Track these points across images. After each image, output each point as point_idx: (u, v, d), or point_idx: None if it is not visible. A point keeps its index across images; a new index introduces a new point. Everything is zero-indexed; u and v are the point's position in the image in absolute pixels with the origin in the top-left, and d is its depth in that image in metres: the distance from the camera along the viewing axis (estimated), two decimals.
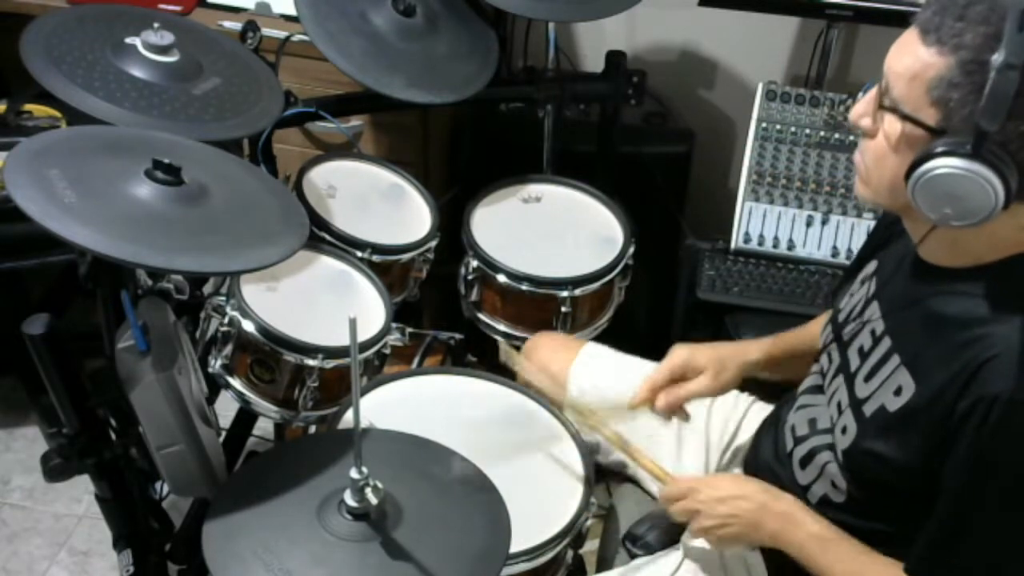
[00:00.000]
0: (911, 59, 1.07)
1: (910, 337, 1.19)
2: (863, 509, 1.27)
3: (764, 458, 1.45)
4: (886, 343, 1.22)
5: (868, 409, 1.22)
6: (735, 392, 1.65)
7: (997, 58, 0.99)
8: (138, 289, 1.52)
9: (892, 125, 1.11)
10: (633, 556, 1.52)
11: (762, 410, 1.62)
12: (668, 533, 1.50)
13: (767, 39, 2.47)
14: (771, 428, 1.47)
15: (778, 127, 2.14)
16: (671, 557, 1.45)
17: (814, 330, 1.54)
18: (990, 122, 1.01)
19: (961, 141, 1.04)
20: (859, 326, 1.29)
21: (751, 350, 1.52)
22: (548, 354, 1.72)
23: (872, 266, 1.34)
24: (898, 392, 1.18)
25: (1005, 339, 1.07)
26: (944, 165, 1.04)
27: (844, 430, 1.26)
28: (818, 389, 1.37)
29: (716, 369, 1.48)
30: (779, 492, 1.32)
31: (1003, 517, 1.12)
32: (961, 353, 1.10)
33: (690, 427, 1.59)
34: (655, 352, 2.41)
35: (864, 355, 1.26)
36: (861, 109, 1.16)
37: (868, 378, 1.24)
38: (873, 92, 1.14)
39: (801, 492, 1.34)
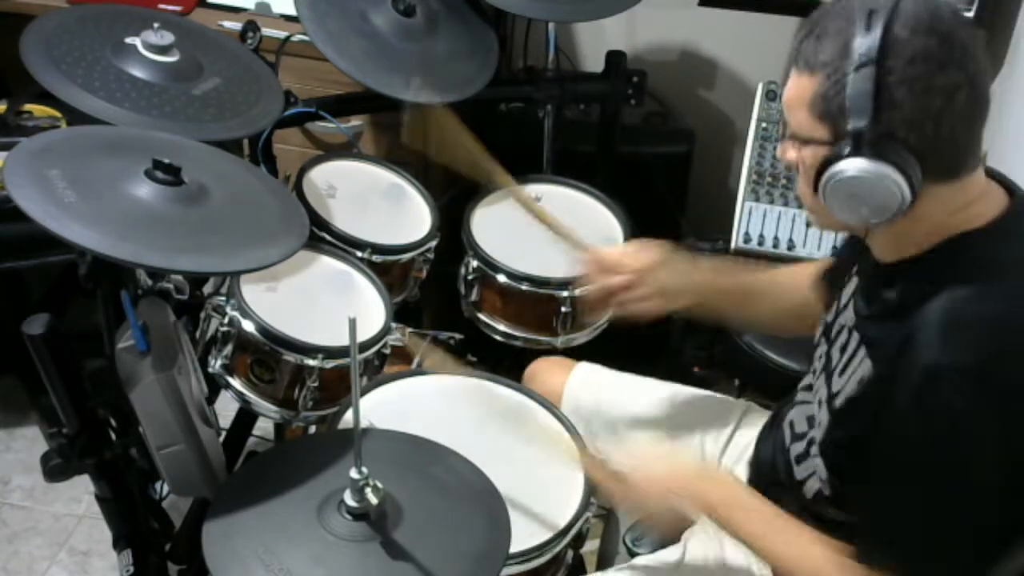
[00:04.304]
0: (792, 88, 1.13)
1: (872, 330, 1.21)
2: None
3: (765, 455, 1.45)
4: (856, 338, 1.25)
5: (838, 402, 1.24)
6: (730, 398, 1.67)
7: (851, 62, 1.05)
8: (138, 289, 1.52)
9: (800, 153, 1.15)
10: (633, 555, 1.53)
11: (758, 415, 1.62)
12: (668, 532, 1.51)
13: (767, 39, 2.46)
14: (773, 425, 1.48)
15: (778, 127, 2.14)
16: (671, 555, 1.45)
17: (776, 278, 1.55)
18: (857, 120, 1.06)
19: (844, 145, 1.08)
20: (841, 325, 1.31)
21: (704, 275, 1.54)
22: (544, 376, 1.74)
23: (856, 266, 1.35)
24: (861, 382, 1.20)
25: (933, 311, 1.09)
26: (834, 172, 1.08)
27: (820, 423, 1.29)
28: (810, 387, 1.38)
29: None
30: (696, 465, 1.37)
31: (919, 487, 1.12)
32: (900, 335, 1.12)
33: (685, 434, 1.60)
34: (655, 352, 2.42)
35: (842, 351, 1.28)
36: (781, 145, 1.20)
37: (841, 373, 1.26)
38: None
39: (798, 487, 1.34)
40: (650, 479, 1.33)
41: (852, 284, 1.32)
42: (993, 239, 1.12)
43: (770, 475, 1.42)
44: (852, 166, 1.07)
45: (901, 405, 1.11)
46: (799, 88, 1.11)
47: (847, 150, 1.08)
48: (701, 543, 1.46)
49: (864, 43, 1.04)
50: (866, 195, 1.08)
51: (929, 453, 1.11)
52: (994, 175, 1.18)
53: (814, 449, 1.31)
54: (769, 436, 1.48)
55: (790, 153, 1.18)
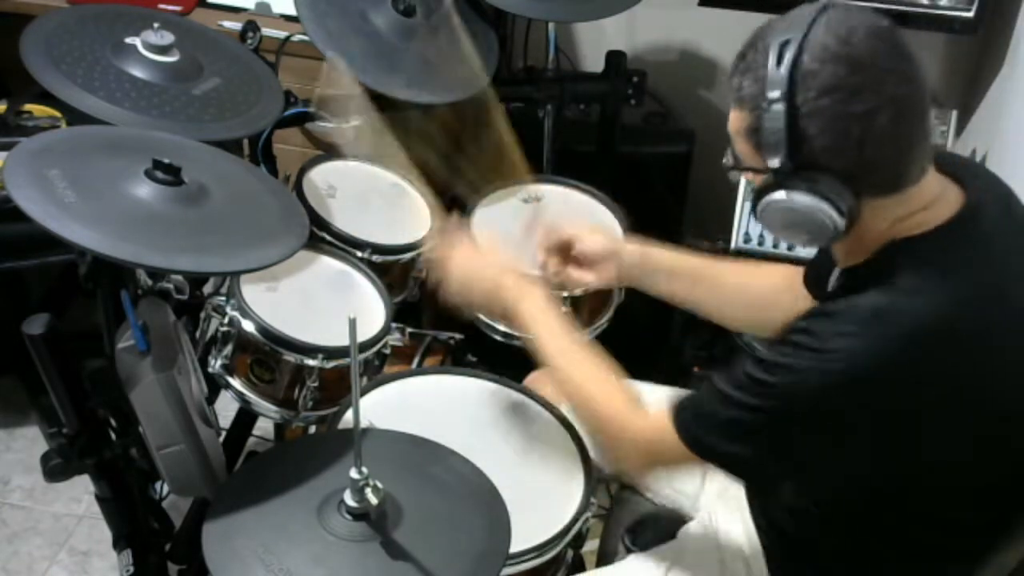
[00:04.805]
0: (731, 119, 1.15)
1: None
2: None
3: None
4: None
5: None
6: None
7: (765, 100, 1.07)
8: (138, 289, 1.52)
9: (750, 177, 1.18)
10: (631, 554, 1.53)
11: None
12: (667, 531, 1.51)
13: None
14: None
15: None
16: (667, 551, 1.45)
17: (724, 272, 1.57)
18: (773, 156, 1.08)
19: (767, 178, 1.10)
20: None
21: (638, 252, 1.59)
22: (545, 390, 1.72)
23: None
24: None
25: (845, 304, 1.11)
26: (764, 203, 1.12)
27: None
28: None
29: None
30: (517, 273, 1.43)
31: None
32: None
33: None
34: (655, 353, 2.41)
35: None
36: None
37: None
38: None
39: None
40: (482, 264, 1.44)
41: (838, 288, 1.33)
42: (929, 247, 1.12)
43: None
44: (777, 198, 1.10)
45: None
46: (734, 120, 1.15)
47: (767, 182, 1.10)
48: (697, 539, 1.47)
49: (775, 79, 1.06)
50: (798, 223, 1.11)
51: (762, 371, 1.12)
52: (954, 171, 1.17)
53: None
54: None
55: (748, 175, 1.20)
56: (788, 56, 1.06)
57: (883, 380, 1.08)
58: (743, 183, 2.12)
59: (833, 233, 1.10)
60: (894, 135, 1.07)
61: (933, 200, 1.14)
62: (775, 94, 1.06)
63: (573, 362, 1.35)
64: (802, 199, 1.08)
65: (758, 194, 1.13)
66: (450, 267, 1.46)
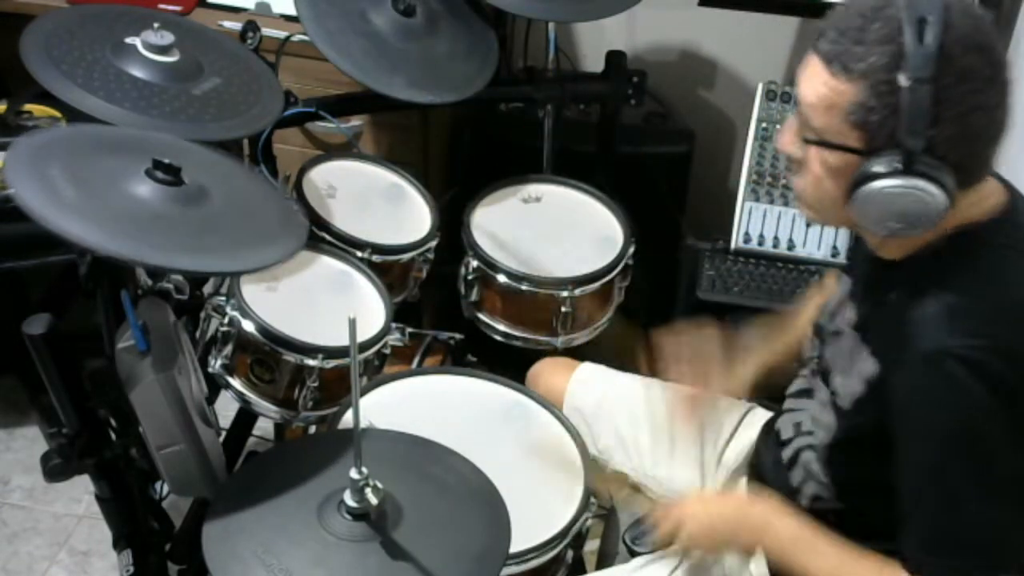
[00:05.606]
0: (823, 89, 1.08)
1: (875, 328, 1.21)
2: (853, 502, 1.28)
3: (764, 464, 1.46)
4: (856, 337, 1.24)
5: (843, 403, 1.24)
6: (733, 397, 1.66)
7: (905, 77, 1.01)
8: (138, 289, 1.52)
9: (821, 154, 1.12)
10: (633, 555, 1.53)
11: (760, 415, 1.61)
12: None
13: (767, 39, 2.47)
14: (767, 434, 1.48)
15: (778, 127, 2.14)
16: (670, 555, 1.45)
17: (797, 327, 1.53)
18: (914, 140, 1.03)
19: (890, 159, 1.05)
20: (837, 325, 1.30)
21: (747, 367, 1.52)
22: (547, 377, 1.74)
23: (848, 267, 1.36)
24: (867, 382, 1.19)
25: (933, 303, 1.09)
26: (880, 187, 1.06)
27: (827, 427, 1.28)
28: (804, 393, 1.38)
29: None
30: (754, 501, 1.34)
31: (962, 470, 1.10)
32: (903, 330, 1.12)
33: (686, 434, 1.60)
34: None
35: (840, 352, 1.27)
36: (787, 137, 1.17)
37: (844, 373, 1.25)
38: (795, 120, 1.16)
39: (794, 494, 1.34)
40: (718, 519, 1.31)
41: (845, 285, 1.32)
42: (993, 233, 1.13)
43: (770, 482, 1.42)
44: (898, 184, 1.05)
45: (905, 398, 1.11)
46: (833, 92, 1.07)
47: (893, 166, 1.04)
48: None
49: (919, 58, 1.01)
50: (904, 211, 1.06)
51: (947, 448, 1.09)
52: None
53: (808, 455, 1.31)
54: (765, 446, 1.48)
55: (792, 148, 1.15)
56: (931, 35, 1.00)
57: (1001, 368, 1.06)
58: (743, 182, 2.13)
59: (932, 222, 1.07)
60: (1001, 129, 1.07)
61: (989, 193, 1.14)
62: (918, 73, 1.00)
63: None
64: (924, 187, 1.04)
65: (869, 176, 1.06)
66: (688, 522, 1.32)
